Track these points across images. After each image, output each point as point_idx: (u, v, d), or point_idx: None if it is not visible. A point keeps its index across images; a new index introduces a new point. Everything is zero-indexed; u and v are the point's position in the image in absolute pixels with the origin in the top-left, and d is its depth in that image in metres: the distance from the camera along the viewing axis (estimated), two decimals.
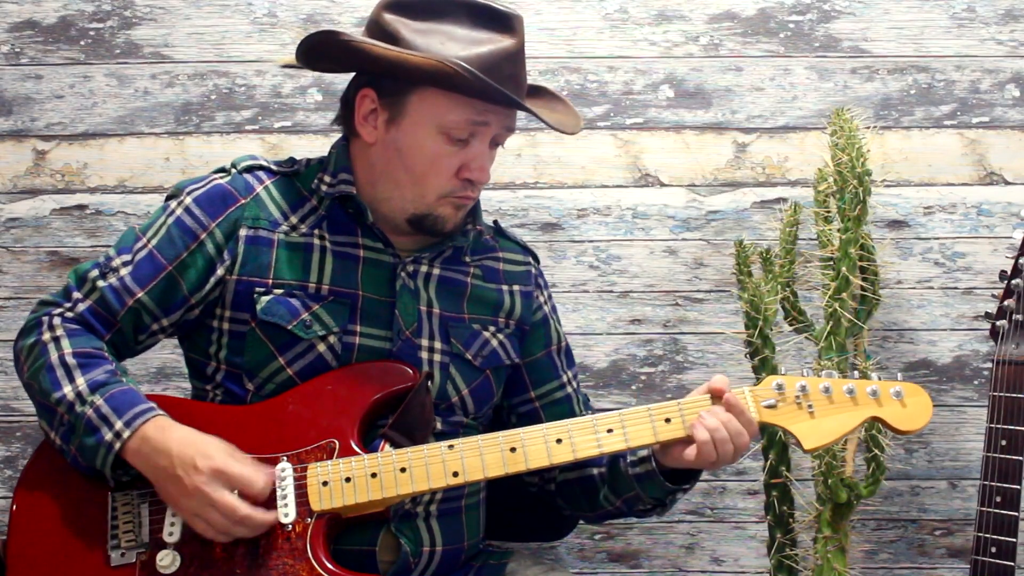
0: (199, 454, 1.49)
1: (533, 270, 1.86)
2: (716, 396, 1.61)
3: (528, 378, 1.83)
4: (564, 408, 1.83)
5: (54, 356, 1.56)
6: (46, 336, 1.58)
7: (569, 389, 1.85)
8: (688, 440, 1.59)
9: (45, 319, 1.61)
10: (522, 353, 1.81)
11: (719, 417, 1.58)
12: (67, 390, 1.53)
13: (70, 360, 1.56)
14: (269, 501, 1.53)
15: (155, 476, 1.51)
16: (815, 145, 2.33)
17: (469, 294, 1.76)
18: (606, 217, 2.38)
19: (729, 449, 1.58)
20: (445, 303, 1.72)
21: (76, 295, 1.63)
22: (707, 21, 2.40)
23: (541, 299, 1.86)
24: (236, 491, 1.49)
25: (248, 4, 2.39)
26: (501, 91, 1.57)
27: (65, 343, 1.57)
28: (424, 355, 1.67)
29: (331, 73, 1.83)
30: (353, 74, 1.71)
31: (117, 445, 1.50)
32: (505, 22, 1.63)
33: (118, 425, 1.51)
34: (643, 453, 1.67)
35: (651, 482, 1.66)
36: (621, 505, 1.74)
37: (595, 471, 1.76)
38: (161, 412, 1.54)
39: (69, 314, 1.61)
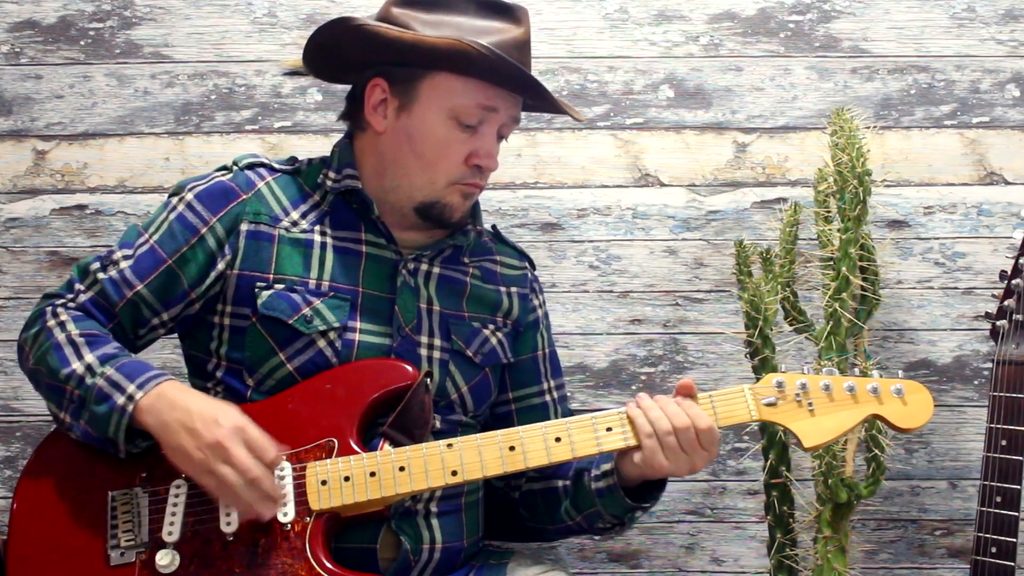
0: (221, 411, 1.49)
1: (529, 275, 1.88)
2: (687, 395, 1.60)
3: (509, 379, 1.83)
4: (538, 415, 1.81)
5: (61, 336, 1.56)
6: (51, 322, 1.59)
7: (547, 397, 1.84)
8: None
9: (49, 309, 1.61)
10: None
11: (665, 409, 1.56)
12: (76, 365, 1.53)
13: (77, 338, 1.56)
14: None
15: (167, 429, 1.49)
16: (815, 145, 2.32)
17: (469, 293, 1.76)
18: (606, 217, 2.38)
19: (672, 442, 1.54)
20: (445, 301, 1.73)
21: (78, 287, 1.64)
22: (707, 21, 2.40)
23: (536, 303, 1.86)
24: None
25: (248, 4, 2.39)
26: (517, 66, 1.60)
27: (71, 326, 1.58)
28: (424, 352, 1.68)
29: (334, 82, 1.84)
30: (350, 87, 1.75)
31: (130, 408, 1.49)
32: (512, 13, 1.68)
33: (130, 388, 1.50)
34: (606, 467, 1.66)
35: (611, 496, 1.65)
36: (581, 521, 1.72)
37: (559, 483, 1.75)
38: (174, 376, 1.54)
39: (71, 304, 1.62)
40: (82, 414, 1.53)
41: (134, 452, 1.55)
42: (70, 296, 1.63)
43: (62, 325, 1.58)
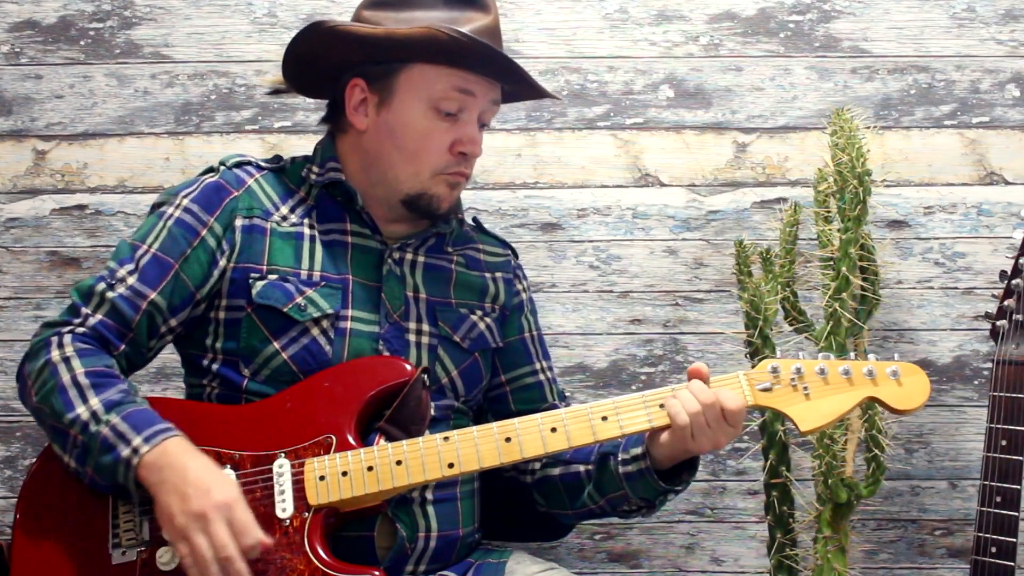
0: (216, 483, 1.47)
1: (512, 262, 1.90)
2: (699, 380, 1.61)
3: (499, 362, 1.84)
4: (535, 394, 1.84)
5: (66, 377, 1.53)
6: (55, 355, 1.56)
7: (542, 377, 1.86)
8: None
9: (54, 338, 1.58)
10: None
11: (695, 393, 1.57)
12: (81, 410, 1.51)
13: (83, 380, 1.53)
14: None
15: (160, 487, 1.47)
16: (815, 145, 2.32)
17: (455, 280, 1.79)
18: (606, 217, 2.38)
19: (700, 421, 1.56)
20: (431, 288, 1.75)
21: (85, 310, 1.61)
22: (707, 21, 2.40)
23: (519, 287, 1.89)
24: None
25: (248, 4, 2.39)
26: (488, 45, 1.63)
27: (76, 363, 1.54)
28: (412, 338, 1.70)
29: (314, 96, 1.86)
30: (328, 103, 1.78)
31: (135, 460, 1.47)
32: (479, 2, 1.70)
33: (136, 441, 1.48)
34: (636, 451, 1.67)
35: (642, 481, 1.66)
36: (604, 504, 1.73)
37: (581, 468, 1.75)
38: (180, 433, 1.51)
39: (80, 330, 1.60)
40: (87, 461, 1.51)
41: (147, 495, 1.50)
42: (77, 321, 1.60)
43: (67, 361, 1.55)
